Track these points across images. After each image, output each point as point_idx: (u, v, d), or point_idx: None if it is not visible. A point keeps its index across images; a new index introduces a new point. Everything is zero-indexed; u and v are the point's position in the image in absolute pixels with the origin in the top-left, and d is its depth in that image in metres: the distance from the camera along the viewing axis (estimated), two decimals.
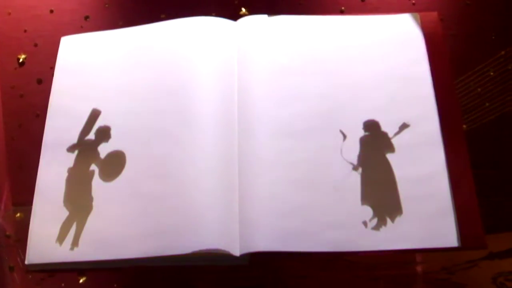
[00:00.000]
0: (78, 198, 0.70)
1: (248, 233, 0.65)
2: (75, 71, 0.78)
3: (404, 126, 0.70)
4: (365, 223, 0.66)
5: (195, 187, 0.67)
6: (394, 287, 0.68)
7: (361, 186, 0.68)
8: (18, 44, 0.82)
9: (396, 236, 0.65)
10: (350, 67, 0.74)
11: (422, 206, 0.66)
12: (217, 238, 0.65)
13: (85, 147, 0.73)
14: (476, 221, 0.65)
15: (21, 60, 0.82)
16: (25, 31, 0.83)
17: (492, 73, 0.77)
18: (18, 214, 0.73)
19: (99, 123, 0.74)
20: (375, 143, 0.70)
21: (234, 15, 0.78)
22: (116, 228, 0.68)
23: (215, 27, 0.76)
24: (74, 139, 0.74)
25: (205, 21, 0.76)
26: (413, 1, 0.82)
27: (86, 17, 0.84)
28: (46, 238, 0.69)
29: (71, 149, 0.73)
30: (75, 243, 0.68)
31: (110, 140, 0.73)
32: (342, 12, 0.81)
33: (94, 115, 0.74)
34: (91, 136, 0.73)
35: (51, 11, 0.85)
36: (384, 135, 0.70)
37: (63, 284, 0.70)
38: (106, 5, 0.84)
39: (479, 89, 0.76)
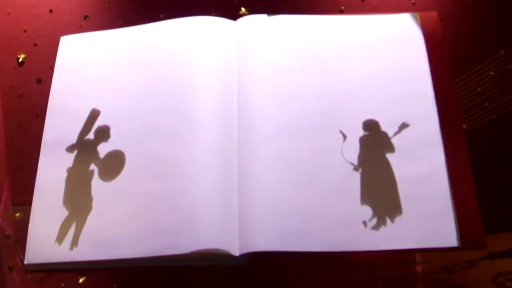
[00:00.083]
0: (77, 198, 0.70)
1: (248, 232, 0.65)
2: (75, 70, 0.78)
3: (403, 126, 0.70)
4: (364, 223, 0.66)
5: (195, 186, 0.67)
6: (394, 287, 0.68)
7: (360, 185, 0.68)
8: (18, 44, 0.82)
9: (396, 236, 0.65)
10: (350, 67, 0.74)
11: (421, 206, 0.66)
12: (216, 238, 0.65)
13: (85, 147, 0.73)
14: (476, 221, 0.65)
15: (20, 60, 0.82)
16: (24, 31, 0.83)
17: (492, 73, 0.77)
18: (18, 214, 0.73)
19: (98, 122, 0.74)
20: (374, 143, 0.70)
21: (234, 15, 0.78)
22: (116, 228, 0.68)
23: (215, 27, 0.76)
24: (73, 139, 0.74)
25: (205, 20, 0.76)
26: (413, 1, 0.81)
27: (86, 17, 0.84)
28: (46, 238, 0.69)
29: (70, 149, 0.73)
30: (74, 243, 0.68)
31: (110, 140, 0.73)
32: (342, 12, 0.81)
33: (94, 115, 0.74)
34: (91, 136, 0.73)
35: (51, 11, 0.85)
36: (384, 134, 0.70)
37: (62, 284, 0.70)
38: (106, 5, 0.84)
39: (479, 89, 0.76)
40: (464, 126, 0.74)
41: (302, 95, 0.72)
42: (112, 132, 0.73)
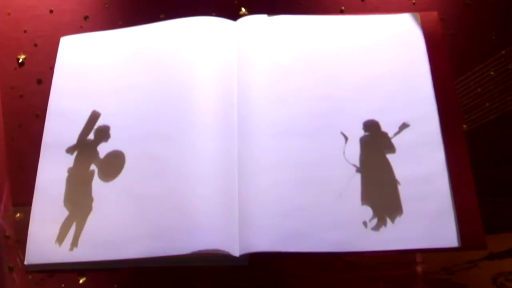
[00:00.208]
0: (78, 199, 0.70)
1: (248, 233, 0.65)
2: (75, 71, 0.78)
3: (404, 126, 0.70)
4: (365, 224, 0.66)
5: (195, 187, 0.67)
6: (394, 287, 0.68)
7: (361, 186, 0.68)
8: (18, 44, 0.82)
9: (396, 237, 0.65)
10: (350, 67, 0.74)
11: (422, 206, 0.66)
12: (216, 239, 0.65)
13: (85, 147, 0.73)
14: (476, 221, 0.65)
15: (20, 60, 0.82)
16: (25, 31, 0.83)
17: (492, 73, 0.76)
18: (18, 215, 0.73)
19: (98, 123, 0.74)
20: (375, 143, 0.70)
21: (234, 15, 0.78)
22: (116, 228, 0.68)
23: (215, 27, 0.76)
24: (73, 139, 0.74)
25: (205, 21, 0.76)
26: (413, 1, 0.81)
27: (86, 17, 0.84)
28: (46, 239, 0.69)
29: (70, 150, 0.73)
30: (74, 243, 0.68)
31: (110, 140, 0.73)
32: (342, 12, 0.81)
33: (94, 117, 0.74)
34: (91, 136, 0.73)
35: (51, 11, 0.84)
36: (384, 135, 0.70)
37: (63, 285, 0.70)
38: (106, 5, 0.84)
39: (479, 89, 0.76)
40: (464, 126, 0.74)
41: (303, 95, 0.72)
42: (112, 132, 0.73)
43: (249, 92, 0.72)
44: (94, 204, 0.70)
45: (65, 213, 0.70)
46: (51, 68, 0.78)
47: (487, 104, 0.75)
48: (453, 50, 0.76)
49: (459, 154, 0.69)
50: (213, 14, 0.77)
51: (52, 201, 0.71)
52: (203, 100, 0.71)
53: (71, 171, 0.72)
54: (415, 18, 0.77)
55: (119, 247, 0.67)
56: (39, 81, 0.80)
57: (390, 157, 0.69)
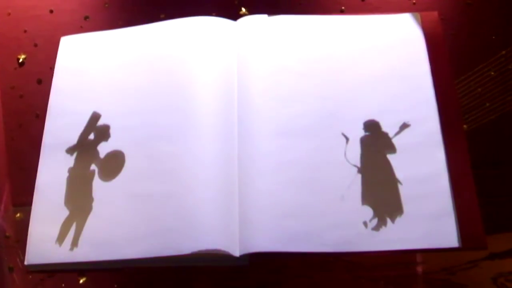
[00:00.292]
0: (78, 199, 0.70)
1: (248, 233, 0.65)
2: (75, 71, 0.78)
3: (404, 126, 0.70)
4: (365, 224, 0.66)
5: (195, 187, 0.67)
6: (394, 287, 0.68)
7: (361, 186, 0.68)
8: (18, 44, 0.82)
9: (396, 237, 0.65)
10: (350, 67, 0.74)
11: (422, 206, 0.66)
12: (216, 239, 0.64)
13: (85, 147, 0.73)
14: (476, 221, 0.65)
15: (21, 60, 0.82)
16: (25, 31, 0.83)
17: (492, 73, 0.76)
18: (18, 215, 0.73)
19: (98, 122, 0.74)
20: (375, 143, 0.70)
21: (234, 15, 0.78)
22: (116, 228, 0.68)
23: (215, 27, 0.76)
24: (74, 139, 0.74)
25: (205, 21, 0.76)
26: (414, 1, 0.81)
27: (86, 17, 0.84)
28: (46, 239, 0.69)
29: (70, 151, 0.73)
30: (74, 243, 0.68)
31: (110, 140, 0.73)
32: (342, 12, 0.81)
33: (94, 118, 0.74)
34: (91, 136, 0.73)
35: (51, 11, 0.84)
36: (385, 135, 0.70)
37: (63, 285, 0.70)
38: (106, 5, 0.84)
39: (479, 89, 0.76)
40: (464, 126, 0.74)
41: (303, 95, 0.72)
42: (112, 132, 0.73)
43: (249, 92, 0.72)
44: (94, 204, 0.70)
45: (65, 213, 0.70)
46: (51, 68, 0.78)
47: (487, 104, 0.75)
48: (453, 50, 0.76)
49: (459, 154, 0.69)
50: (213, 14, 0.77)
51: (52, 201, 0.71)
52: (204, 100, 0.71)
53: (71, 171, 0.72)
54: (416, 18, 0.77)
55: (119, 247, 0.67)
56: (39, 81, 0.80)
57: (390, 157, 0.69)
